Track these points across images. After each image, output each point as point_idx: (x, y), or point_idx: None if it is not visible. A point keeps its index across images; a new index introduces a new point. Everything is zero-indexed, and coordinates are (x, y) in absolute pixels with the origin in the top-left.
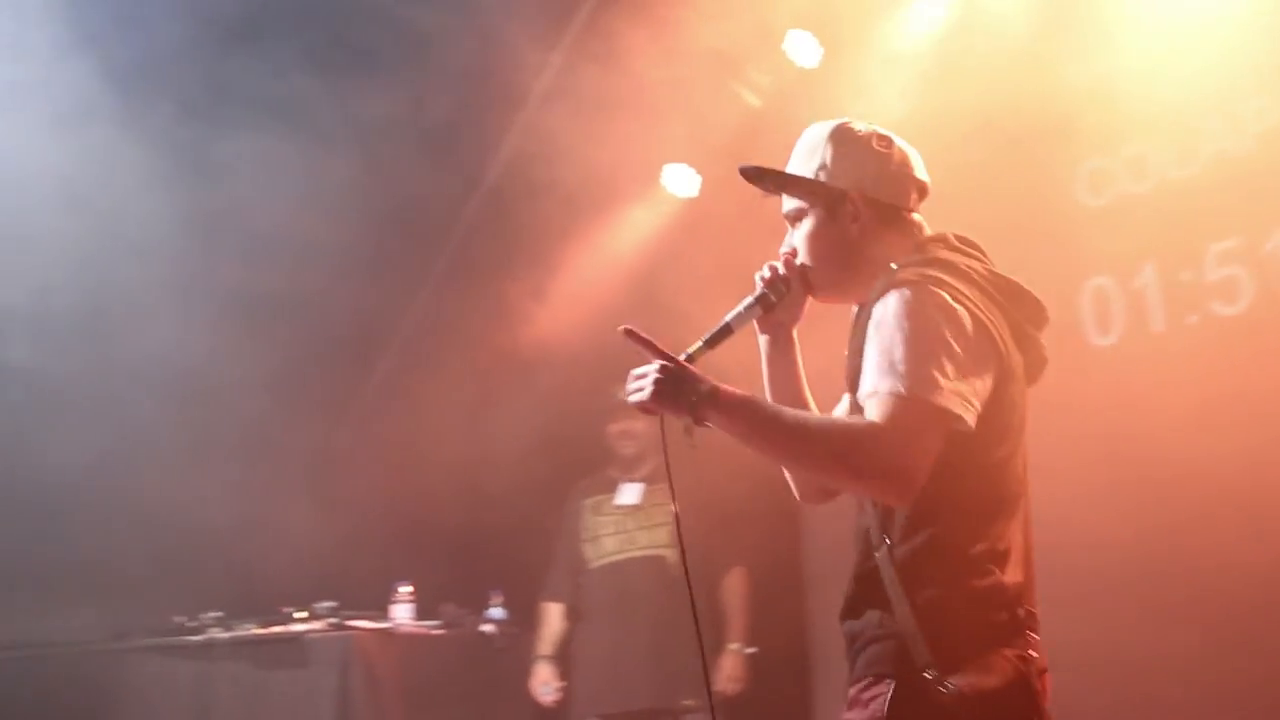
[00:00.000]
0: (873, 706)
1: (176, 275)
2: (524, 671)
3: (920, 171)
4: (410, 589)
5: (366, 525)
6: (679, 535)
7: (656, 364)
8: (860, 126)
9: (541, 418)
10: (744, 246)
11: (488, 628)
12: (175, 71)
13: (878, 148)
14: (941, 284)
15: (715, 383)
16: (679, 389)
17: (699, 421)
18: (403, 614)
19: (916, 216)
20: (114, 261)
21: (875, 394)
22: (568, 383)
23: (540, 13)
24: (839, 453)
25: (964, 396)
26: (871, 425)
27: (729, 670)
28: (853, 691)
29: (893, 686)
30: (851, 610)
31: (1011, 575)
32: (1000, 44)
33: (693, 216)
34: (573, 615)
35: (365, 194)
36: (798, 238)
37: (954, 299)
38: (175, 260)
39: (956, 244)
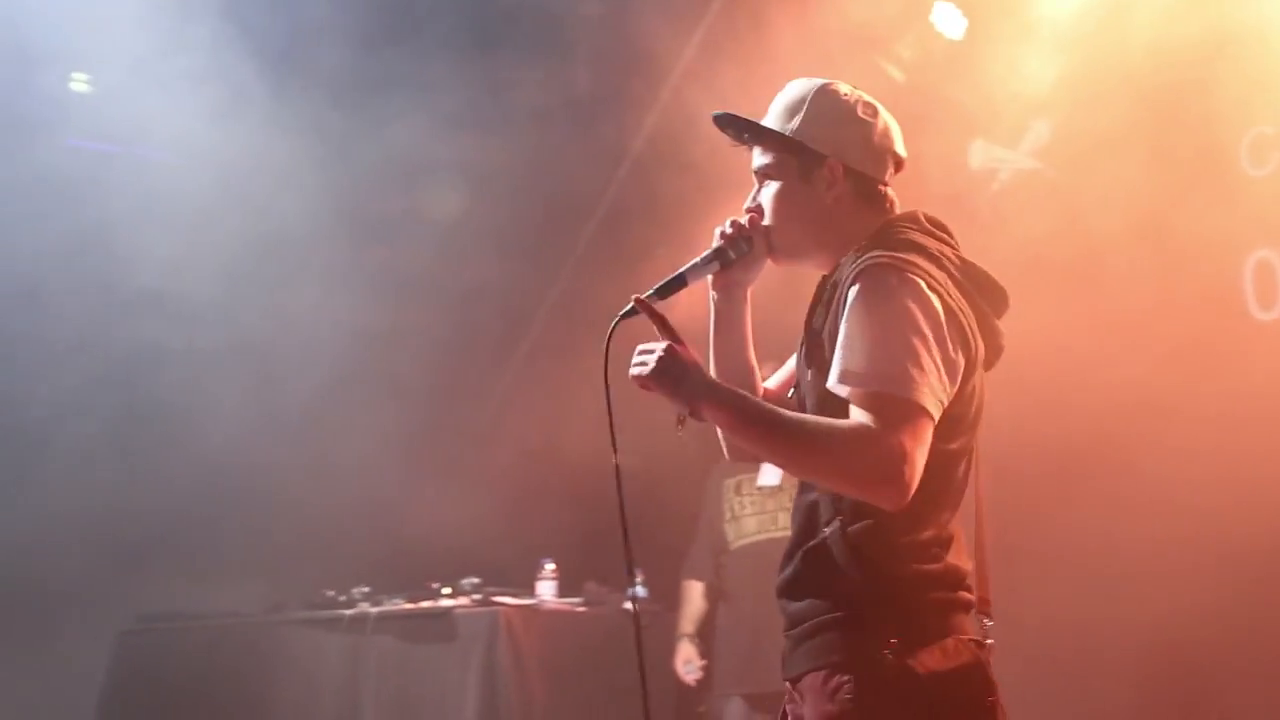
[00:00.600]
0: (839, 698)
1: (328, 258)
2: (666, 650)
3: (900, 145)
4: (553, 566)
5: (510, 503)
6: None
7: (664, 344)
8: (846, 90)
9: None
10: None
11: (629, 605)
12: (326, 58)
13: (862, 115)
14: (916, 269)
15: (713, 378)
16: (680, 377)
17: (693, 414)
18: (546, 591)
19: (889, 191)
20: (268, 246)
21: (861, 390)
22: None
23: (667, 8)
24: (840, 462)
25: (936, 393)
26: (869, 432)
27: None
28: (809, 681)
29: (854, 676)
30: (794, 589)
31: (960, 561)
32: (1153, 10)
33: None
34: (714, 594)
35: (511, 174)
36: (766, 196)
37: (929, 287)
38: (327, 244)
39: (927, 225)
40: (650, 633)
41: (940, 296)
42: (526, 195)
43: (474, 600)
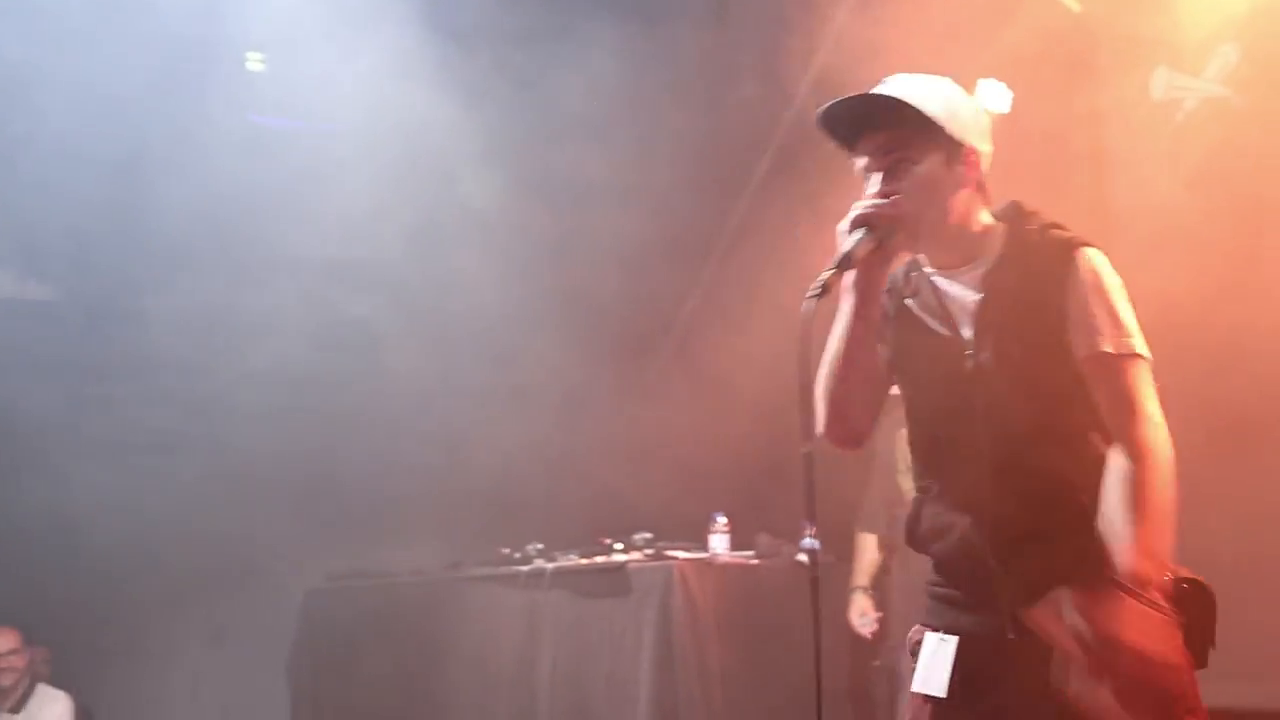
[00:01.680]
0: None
1: (502, 221)
2: (840, 603)
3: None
4: (726, 520)
5: (682, 457)
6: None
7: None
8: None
9: None
10: (1056, 161)
11: (802, 557)
12: (493, 21)
13: (980, 109)
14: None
15: None
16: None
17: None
18: (719, 544)
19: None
20: (444, 212)
21: (1126, 354)
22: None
23: None
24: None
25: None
26: (1153, 423)
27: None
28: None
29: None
30: (1057, 534)
31: None
32: None
33: (1008, 132)
34: (888, 547)
35: (676, 128)
36: (910, 182)
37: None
38: (501, 208)
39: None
40: (824, 585)
41: None
42: (691, 147)
43: (647, 555)
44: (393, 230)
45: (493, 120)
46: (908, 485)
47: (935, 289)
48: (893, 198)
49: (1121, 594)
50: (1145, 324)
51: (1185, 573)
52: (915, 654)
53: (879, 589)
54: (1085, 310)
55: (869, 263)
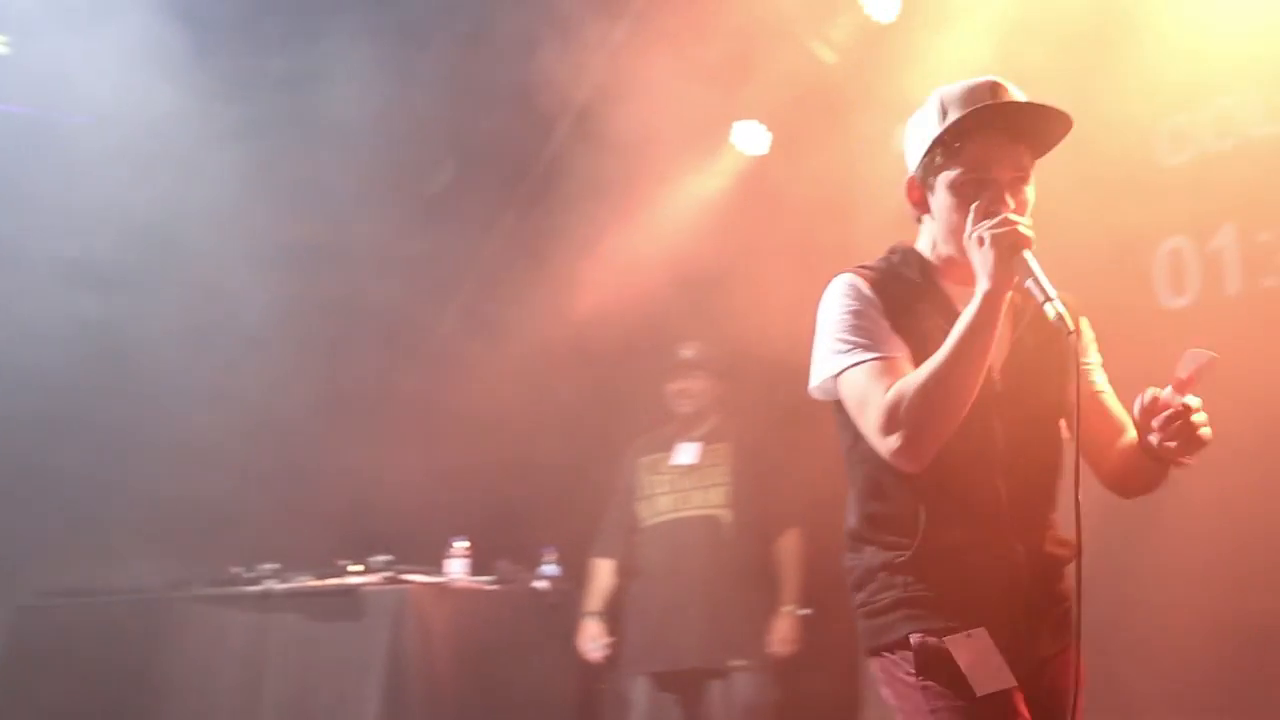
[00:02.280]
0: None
1: (253, 224)
2: (575, 628)
3: None
4: (466, 544)
5: (426, 480)
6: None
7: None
8: None
9: (598, 375)
10: (804, 207)
11: (540, 584)
12: (255, 23)
13: None
14: None
15: None
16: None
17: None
18: (457, 569)
19: None
20: (190, 212)
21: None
22: (626, 341)
23: None
24: None
25: None
26: None
27: (781, 632)
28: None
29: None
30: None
31: None
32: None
33: (761, 173)
34: (624, 572)
35: (440, 149)
36: (1028, 200)
37: None
38: (253, 210)
39: None
40: (559, 610)
41: None
42: (456, 164)
43: (383, 578)
44: (133, 227)
45: (246, 121)
46: (645, 512)
47: (948, 299)
48: (1026, 219)
49: None
50: None
51: None
52: (927, 662)
53: (612, 615)
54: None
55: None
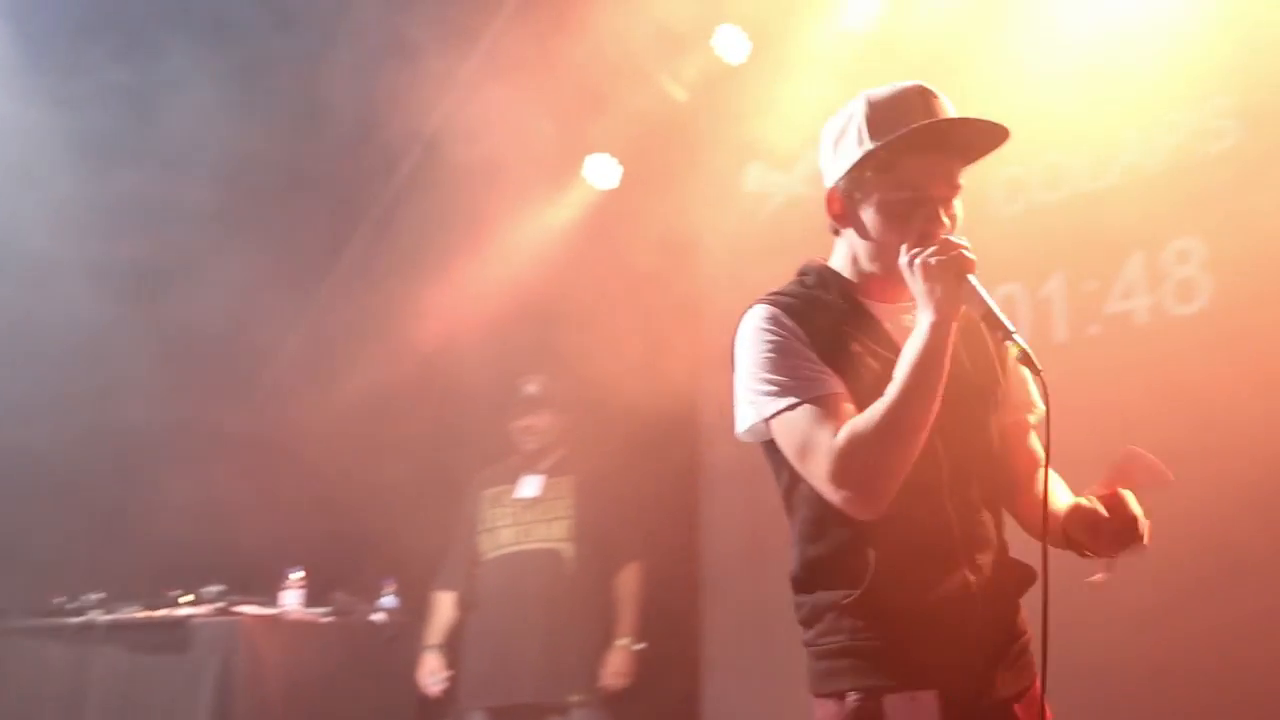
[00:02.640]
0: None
1: (71, 243)
2: (413, 661)
3: None
4: (301, 575)
5: (261, 510)
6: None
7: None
8: None
9: (441, 407)
10: (652, 243)
11: (378, 616)
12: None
13: None
14: None
15: None
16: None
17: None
18: (292, 600)
19: None
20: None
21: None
22: (470, 373)
23: None
24: None
25: None
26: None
27: (616, 665)
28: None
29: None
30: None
31: None
32: (924, 49)
33: (610, 207)
34: (464, 605)
35: (282, 175)
36: (957, 220)
37: None
38: (72, 229)
39: None
40: (399, 643)
41: None
42: (299, 191)
43: (214, 609)
44: None
45: (80, 134)
46: (487, 545)
47: (875, 319)
48: (964, 239)
49: None
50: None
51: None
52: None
53: (451, 648)
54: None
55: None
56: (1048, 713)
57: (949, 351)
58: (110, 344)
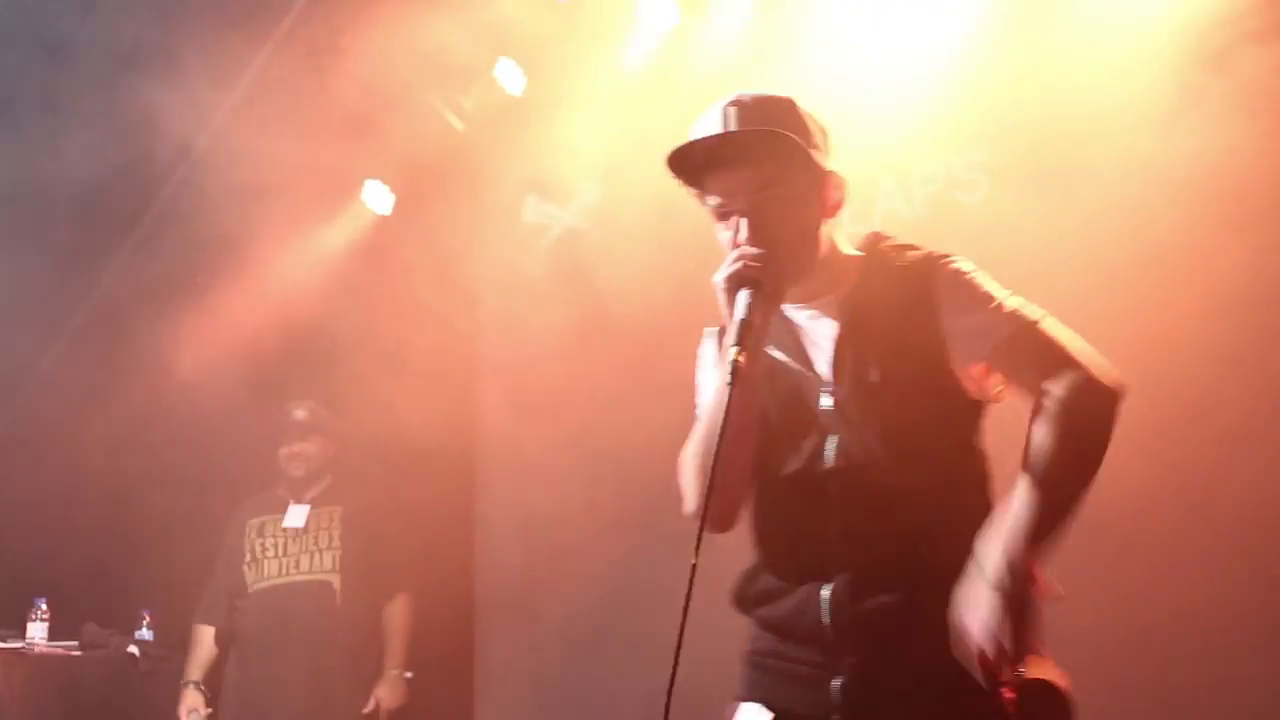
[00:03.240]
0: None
1: None
2: (171, 697)
3: None
4: (45, 606)
5: (5, 537)
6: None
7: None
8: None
9: (204, 433)
10: (427, 272)
11: (133, 649)
12: None
13: (826, 129)
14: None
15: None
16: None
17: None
18: (37, 632)
19: None
20: None
21: (1025, 327)
22: (235, 397)
23: (244, 11)
24: (1094, 427)
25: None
26: (1075, 371)
27: (386, 694)
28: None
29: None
30: (920, 609)
31: None
32: (697, 87)
33: (385, 234)
34: (226, 639)
35: (34, 198)
36: (774, 220)
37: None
38: None
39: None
40: (156, 679)
41: None
42: (47, 214)
43: None
44: None
45: None
46: (251, 577)
47: (789, 324)
48: (770, 245)
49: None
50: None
51: (1040, 671)
52: None
53: (212, 684)
54: (964, 315)
55: (763, 313)
56: None
57: (741, 376)
58: None
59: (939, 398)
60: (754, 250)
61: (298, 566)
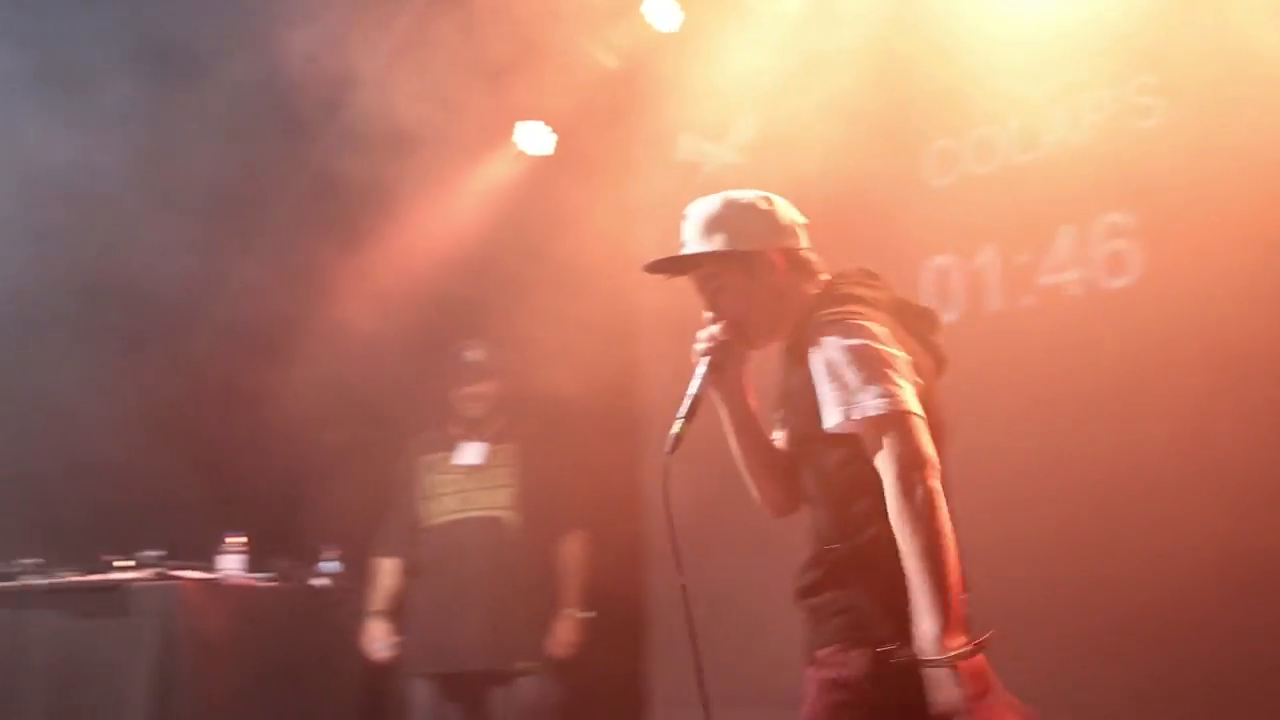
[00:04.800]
0: (845, 668)
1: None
2: (356, 627)
3: (796, 213)
4: (242, 539)
5: (205, 474)
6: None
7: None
8: (741, 194)
9: (386, 367)
10: (584, 211)
11: (320, 581)
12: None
13: (763, 207)
14: (856, 315)
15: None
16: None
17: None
18: (232, 565)
19: (811, 254)
20: None
21: (864, 419)
22: (411, 337)
23: None
24: (919, 511)
25: (912, 396)
26: (900, 460)
27: (562, 634)
28: (822, 654)
29: (860, 652)
30: (813, 591)
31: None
32: (858, 23)
33: (546, 174)
34: (407, 572)
35: (205, 143)
36: (725, 301)
37: (868, 319)
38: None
39: (859, 278)
40: (341, 609)
41: (878, 323)
42: (221, 169)
43: (153, 574)
44: None
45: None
46: (428, 512)
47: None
48: (720, 324)
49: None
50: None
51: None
52: None
53: (395, 615)
54: (823, 385)
55: (719, 380)
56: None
57: (730, 407)
58: (34, 307)
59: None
60: (710, 331)
61: (473, 503)
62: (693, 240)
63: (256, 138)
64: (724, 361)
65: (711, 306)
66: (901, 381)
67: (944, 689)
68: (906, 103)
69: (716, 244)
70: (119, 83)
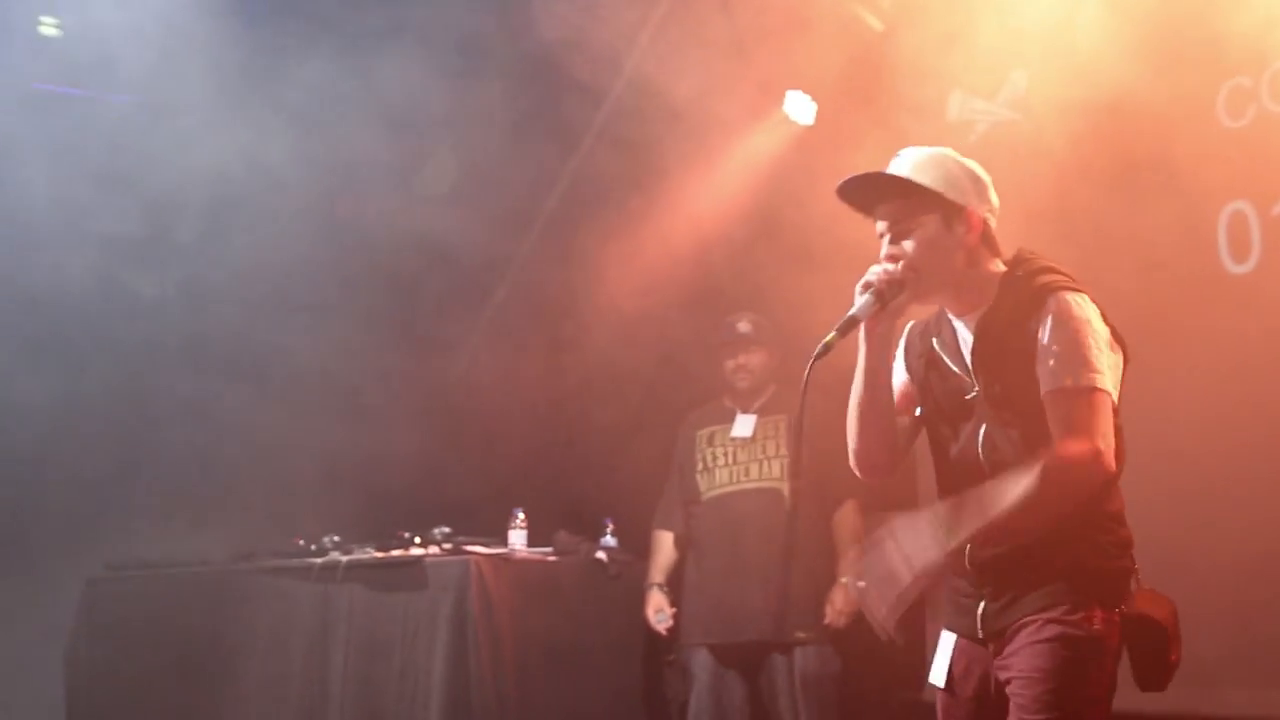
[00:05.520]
0: (1075, 628)
1: (288, 202)
2: (637, 598)
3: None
4: (524, 515)
5: (482, 452)
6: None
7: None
8: (961, 157)
9: (653, 348)
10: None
11: (601, 555)
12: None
13: (979, 173)
14: (1080, 288)
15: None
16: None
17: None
18: (517, 540)
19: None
20: (228, 190)
21: (1072, 390)
22: (680, 312)
23: None
24: (1051, 497)
25: (1112, 383)
26: (1075, 449)
27: (840, 604)
28: (1034, 624)
29: (1082, 613)
30: (1019, 556)
31: (1128, 530)
32: None
33: (812, 143)
34: (684, 544)
35: (483, 124)
36: (914, 245)
37: (1091, 301)
38: (288, 188)
39: (1047, 260)
40: (621, 582)
41: (1098, 308)
42: (496, 146)
43: (445, 549)
44: (182, 208)
45: (288, 103)
46: (704, 485)
47: (953, 331)
48: (897, 263)
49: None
50: None
51: (1141, 605)
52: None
53: (674, 586)
54: (1048, 349)
55: (875, 320)
56: None
57: (872, 349)
58: (340, 298)
59: (1040, 404)
60: (886, 266)
61: (747, 474)
62: (904, 172)
63: (530, 135)
64: (889, 299)
65: (895, 244)
66: (1107, 363)
67: (928, 550)
68: (1194, 41)
69: (924, 182)
70: (422, 81)
